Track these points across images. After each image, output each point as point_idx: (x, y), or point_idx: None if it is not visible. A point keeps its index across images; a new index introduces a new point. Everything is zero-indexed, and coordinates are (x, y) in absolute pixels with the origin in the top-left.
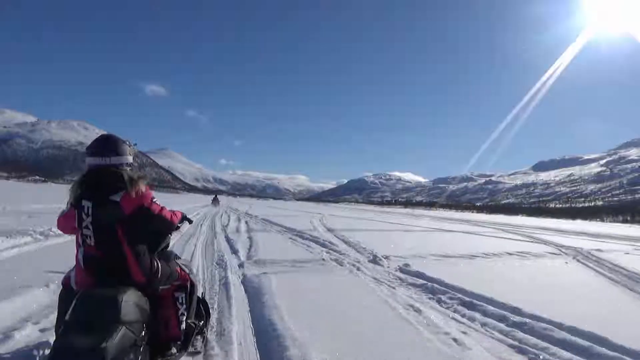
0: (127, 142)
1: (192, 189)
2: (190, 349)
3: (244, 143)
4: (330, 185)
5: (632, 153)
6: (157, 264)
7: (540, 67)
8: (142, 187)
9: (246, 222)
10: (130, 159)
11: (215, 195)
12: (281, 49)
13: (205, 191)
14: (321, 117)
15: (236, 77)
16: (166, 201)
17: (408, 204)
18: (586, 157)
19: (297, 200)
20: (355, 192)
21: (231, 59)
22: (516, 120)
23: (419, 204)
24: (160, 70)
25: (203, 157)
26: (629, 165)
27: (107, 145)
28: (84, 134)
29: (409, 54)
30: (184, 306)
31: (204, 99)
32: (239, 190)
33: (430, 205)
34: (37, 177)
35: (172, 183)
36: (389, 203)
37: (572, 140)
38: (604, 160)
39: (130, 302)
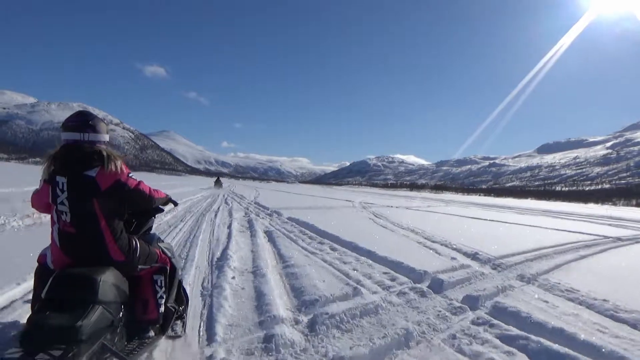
0: (104, 120)
1: (193, 171)
2: (170, 333)
3: (246, 125)
4: (332, 167)
5: (639, 135)
6: (136, 242)
7: (544, 47)
8: (119, 163)
9: (266, 234)
10: (106, 137)
11: (218, 178)
12: (284, 31)
13: (207, 173)
14: (323, 99)
15: (238, 59)
16: (163, 184)
17: (414, 186)
18: (591, 140)
19: (301, 182)
20: (358, 174)
21: (233, 40)
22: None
23: (423, 187)
24: (159, 51)
25: (205, 139)
26: (635, 148)
27: (84, 121)
28: None
29: (410, 35)
30: (163, 289)
31: (206, 81)
32: (240, 172)
33: (438, 188)
34: (39, 159)
35: (173, 165)
36: (394, 186)
37: (576, 123)
38: (610, 143)
39: (109, 282)
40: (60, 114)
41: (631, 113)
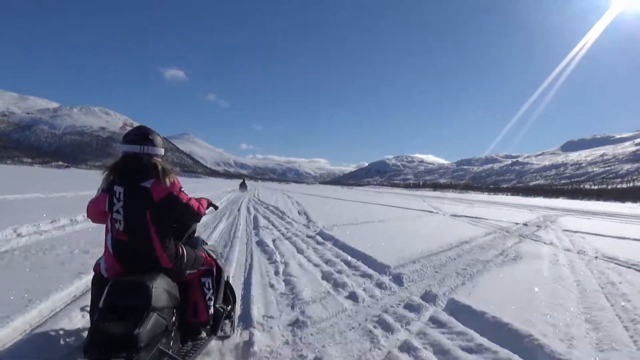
0: (160, 135)
1: (213, 173)
2: (220, 333)
3: (264, 127)
4: (350, 168)
5: None
6: (183, 249)
7: (566, 44)
8: (172, 177)
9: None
10: (162, 151)
11: (243, 180)
12: (301, 33)
13: (226, 175)
14: (340, 100)
15: (257, 61)
16: (186, 187)
17: (438, 186)
18: (618, 136)
19: (321, 183)
20: (377, 174)
21: (251, 43)
22: (542, 100)
23: (449, 187)
24: (179, 55)
25: (224, 141)
26: None
27: (144, 135)
28: (106, 119)
29: (430, 34)
30: (211, 291)
31: (225, 83)
32: (259, 174)
33: (466, 188)
34: (60, 163)
35: (193, 167)
36: (416, 186)
37: (600, 120)
38: (639, 139)
39: (160, 288)
40: (82, 118)
41: None
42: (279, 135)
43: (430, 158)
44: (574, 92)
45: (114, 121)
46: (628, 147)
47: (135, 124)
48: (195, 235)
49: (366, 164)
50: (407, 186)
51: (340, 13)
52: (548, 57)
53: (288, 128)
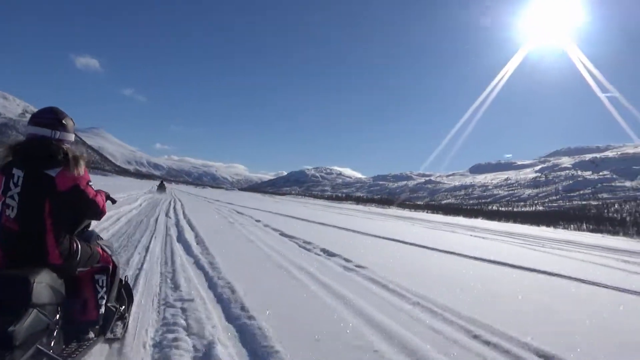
0: (72, 120)
1: (123, 171)
2: (109, 335)
3: (182, 128)
4: (269, 176)
5: (564, 161)
6: (78, 245)
7: (479, 78)
8: (82, 168)
9: None
10: (73, 137)
11: (162, 182)
12: (225, 33)
13: (138, 175)
14: (261, 107)
15: (179, 58)
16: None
17: (360, 200)
18: (520, 163)
19: (240, 190)
20: (296, 184)
21: (175, 39)
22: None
23: (370, 201)
24: (94, 42)
25: (138, 139)
26: (562, 173)
27: (57, 119)
28: (3, 103)
29: (351, 53)
30: (104, 289)
31: (143, 78)
32: (174, 176)
33: (384, 202)
34: None
35: (101, 164)
36: (338, 198)
37: (504, 147)
38: (538, 167)
39: (44, 283)
40: None
41: (554, 140)
42: (197, 137)
43: (347, 171)
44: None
45: (12, 107)
46: (529, 174)
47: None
48: (90, 228)
49: (285, 173)
50: (329, 198)
51: (265, 16)
52: (462, 88)
53: (207, 131)
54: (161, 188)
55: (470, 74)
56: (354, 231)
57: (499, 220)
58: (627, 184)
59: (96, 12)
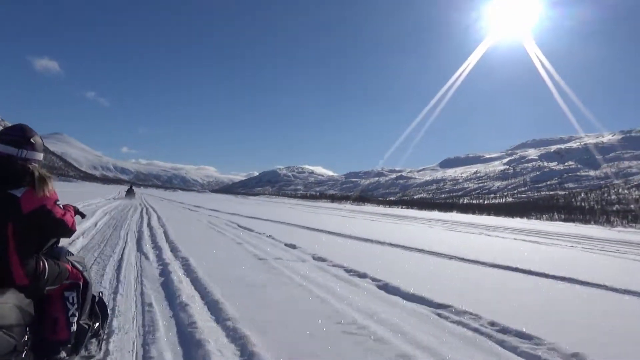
0: (40, 137)
1: (88, 177)
2: (83, 353)
3: (150, 131)
4: (240, 177)
5: (531, 153)
6: (44, 264)
7: (446, 72)
8: (49, 188)
9: None
10: (42, 156)
11: (131, 186)
12: (190, 32)
13: (104, 180)
14: (230, 107)
15: (143, 58)
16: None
17: (335, 197)
18: (488, 156)
19: (212, 192)
20: (268, 184)
21: (137, 38)
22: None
23: (345, 198)
24: (53, 43)
25: (103, 143)
26: (529, 165)
27: (25, 137)
28: None
29: (317, 50)
30: (75, 306)
31: (107, 80)
32: (142, 180)
33: (360, 200)
34: None
35: (64, 170)
36: (313, 197)
37: (472, 140)
38: (506, 160)
39: (10, 304)
40: None
41: (519, 133)
42: (166, 139)
43: (319, 170)
44: (451, 114)
45: None
46: (497, 166)
47: None
48: (59, 245)
49: (257, 173)
50: (303, 197)
51: (233, 13)
52: (429, 82)
53: (176, 133)
54: (130, 193)
55: (437, 70)
56: (399, 246)
57: (474, 213)
58: (592, 173)
59: (53, 11)
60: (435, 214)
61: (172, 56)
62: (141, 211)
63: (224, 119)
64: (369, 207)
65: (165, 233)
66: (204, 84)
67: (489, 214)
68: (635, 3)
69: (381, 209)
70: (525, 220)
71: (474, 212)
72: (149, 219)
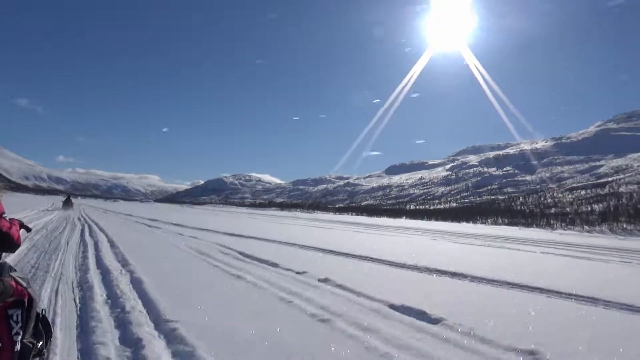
0: None
1: (20, 188)
2: None
3: (87, 139)
4: (185, 185)
5: (472, 159)
6: None
7: (390, 81)
8: None
9: None
10: None
11: (68, 197)
12: (127, 35)
13: (37, 191)
14: (174, 114)
15: (78, 62)
16: None
17: (285, 205)
18: (431, 162)
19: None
20: (214, 193)
21: (72, 40)
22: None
23: (297, 206)
24: None
25: (37, 152)
26: (470, 170)
27: None
28: None
29: (261, 58)
30: (19, 324)
31: (39, 86)
32: (80, 190)
33: (312, 207)
34: None
35: None
36: (262, 205)
37: (416, 147)
38: (449, 165)
39: None
40: None
41: (461, 140)
42: (105, 147)
43: (267, 177)
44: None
45: None
46: (441, 172)
47: None
48: (1, 260)
49: (202, 182)
50: (252, 205)
51: (169, 17)
52: (375, 92)
53: (115, 140)
54: (67, 204)
55: (382, 81)
56: (410, 268)
57: (423, 218)
58: (528, 177)
59: None
60: (413, 223)
61: (110, 61)
62: (82, 230)
63: (167, 125)
64: (325, 215)
65: (142, 293)
66: (145, 90)
67: (437, 219)
68: (565, 16)
69: (338, 216)
70: (481, 225)
71: (422, 218)
72: (95, 246)
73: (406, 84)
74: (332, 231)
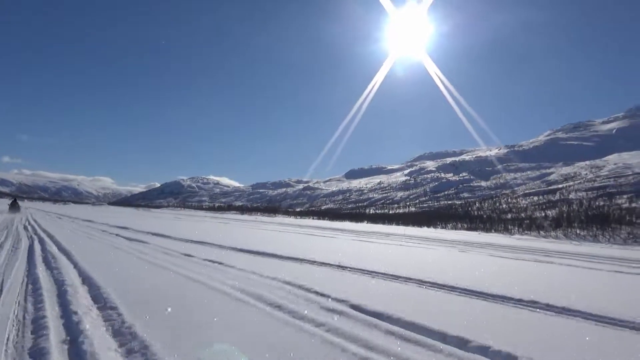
0: None
1: None
2: None
3: (32, 138)
4: (140, 188)
5: (429, 165)
6: None
7: (353, 88)
8: None
9: None
10: None
11: (14, 200)
12: (77, 26)
13: None
14: (128, 114)
15: (23, 55)
16: None
17: (245, 209)
18: (389, 167)
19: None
20: (170, 195)
21: (18, 33)
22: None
23: (254, 210)
24: None
25: None
26: (428, 175)
27: None
28: None
29: (222, 60)
30: None
31: None
32: (26, 192)
33: (270, 211)
34: None
35: None
36: (221, 208)
37: (375, 152)
38: (407, 171)
39: None
40: None
41: (418, 145)
42: (53, 148)
43: (225, 180)
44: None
45: None
46: (399, 177)
47: None
48: None
49: (158, 184)
50: (210, 209)
51: (131, 13)
52: (336, 98)
53: (65, 141)
54: (14, 207)
55: (342, 87)
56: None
57: (384, 223)
58: (483, 183)
59: None
60: (390, 228)
61: (57, 56)
62: (30, 246)
63: (121, 125)
64: (289, 219)
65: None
66: (99, 88)
67: (397, 224)
68: (521, 26)
69: (304, 220)
70: (442, 230)
71: (383, 222)
72: (53, 278)
73: (370, 91)
74: (334, 240)
